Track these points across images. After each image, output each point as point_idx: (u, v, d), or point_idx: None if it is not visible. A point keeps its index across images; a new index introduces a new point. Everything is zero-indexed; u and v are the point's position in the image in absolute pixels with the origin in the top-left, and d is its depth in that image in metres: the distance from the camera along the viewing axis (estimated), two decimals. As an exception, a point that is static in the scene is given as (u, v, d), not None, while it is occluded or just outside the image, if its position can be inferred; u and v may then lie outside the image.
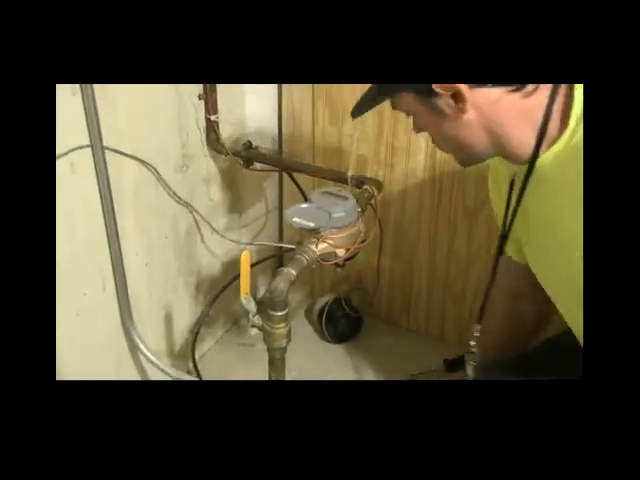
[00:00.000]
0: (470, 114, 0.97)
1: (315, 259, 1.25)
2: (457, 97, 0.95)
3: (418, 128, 1.11)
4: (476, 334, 1.37)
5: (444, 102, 0.97)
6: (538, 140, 0.98)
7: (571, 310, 1.17)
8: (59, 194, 1.25)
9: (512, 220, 1.18)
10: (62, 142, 1.20)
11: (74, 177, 1.28)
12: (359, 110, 1.10)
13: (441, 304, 1.94)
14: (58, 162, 1.20)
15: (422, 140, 1.68)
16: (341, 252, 1.28)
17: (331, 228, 1.26)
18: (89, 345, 1.48)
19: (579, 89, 0.94)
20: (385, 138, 1.72)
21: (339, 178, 1.44)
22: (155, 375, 1.71)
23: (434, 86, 0.93)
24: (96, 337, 1.50)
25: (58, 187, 1.24)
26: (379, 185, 1.42)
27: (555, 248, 1.11)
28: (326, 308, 1.96)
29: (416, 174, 1.75)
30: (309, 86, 1.75)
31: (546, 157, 0.99)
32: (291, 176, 1.74)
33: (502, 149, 1.04)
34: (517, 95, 0.95)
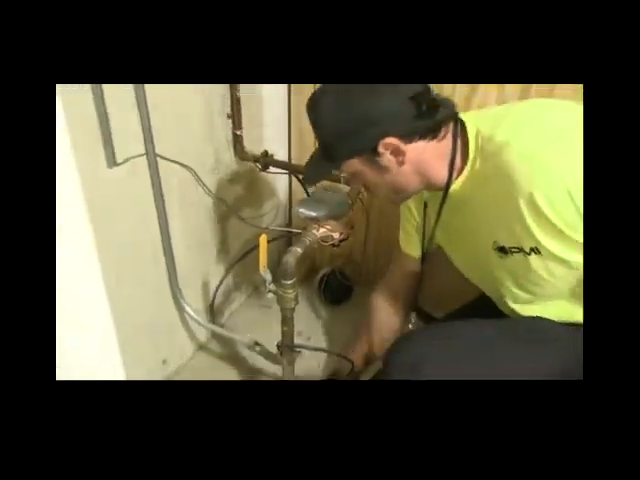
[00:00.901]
0: (406, 164, 0.99)
1: (316, 240, 1.27)
2: (396, 152, 0.97)
3: (357, 183, 1.14)
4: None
5: (386, 159, 0.98)
6: (450, 171, 1.02)
7: (491, 291, 1.22)
8: (123, 191, 1.28)
9: (432, 232, 1.20)
10: (126, 150, 1.21)
11: (135, 178, 1.29)
12: (314, 179, 1.15)
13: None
14: (123, 166, 1.21)
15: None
16: (336, 235, 1.30)
17: (328, 217, 1.29)
18: (145, 306, 1.49)
19: (470, 132, 0.99)
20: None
21: (335, 178, 1.45)
22: (196, 328, 1.74)
23: (379, 147, 0.96)
24: (150, 301, 1.52)
25: (122, 186, 1.27)
26: None
27: (474, 248, 1.12)
28: (324, 278, 1.97)
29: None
30: None
31: (457, 183, 1.03)
32: (297, 177, 1.75)
33: (427, 184, 1.06)
34: (434, 141, 0.99)
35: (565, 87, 1.00)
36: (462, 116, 1.02)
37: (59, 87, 0.59)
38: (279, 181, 1.92)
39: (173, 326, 1.66)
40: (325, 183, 1.46)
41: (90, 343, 0.72)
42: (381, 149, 0.96)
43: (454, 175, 1.02)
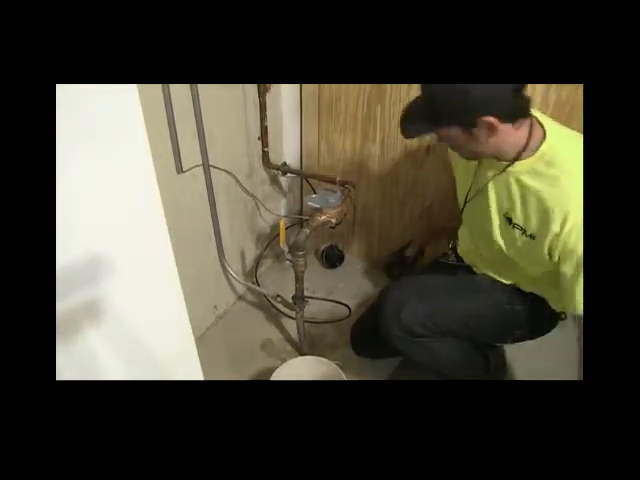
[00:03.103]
0: (492, 139, 0.89)
1: (319, 224, 1.28)
2: (491, 128, 0.87)
3: (443, 141, 0.97)
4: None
5: (480, 132, 0.88)
6: (517, 155, 0.93)
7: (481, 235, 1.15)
8: (187, 192, 1.29)
9: (476, 192, 1.08)
10: (189, 162, 1.21)
11: (195, 181, 1.30)
12: (414, 134, 0.97)
13: (386, 249, 1.93)
14: (187, 173, 1.21)
15: (375, 166, 1.70)
16: (333, 220, 1.30)
17: (328, 208, 1.29)
18: (201, 270, 1.51)
19: (548, 138, 0.90)
20: (357, 161, 1.74)
21: (333, 181, 1.46)
22: (236, 284, 1.74)
23: (478, 122, 0.85)
24: (205, 265, 1.53)
25: (186, 188, 1.28)
26: (354, 185, 1.45)
27: (488, 211, 1.05)
28: (324, 250, 1.97)
29: (374, 181, 1.76)
30: (316, 136, 1.74)
31: (518, 165, 0.94)
32: (307, 180, 1.75)
33: (495, 157, 0.96)
34: (513, 127, 0.89)
35: (565, 87, 0.85)
36: (547, 127, 0.93)
37: (147, 122, 0.50)
38: (293, 183, 1.92)
39: (220, 283, 1.68)
40: (325, 185, 1.47)
41: (162, 295, 0.69)
42: (479, 124, 0.86)
43: (521, 157, 0.93)
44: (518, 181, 0.96)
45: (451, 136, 0.93)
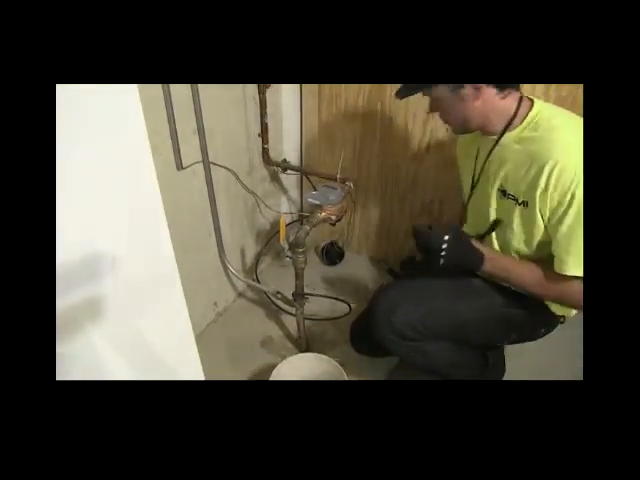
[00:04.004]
0: (478, 102, 0.95)
1: (319, 221, 1.28)
2: (476, 87, 0.92)
3: (434, 109, 1.02)
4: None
5: (467, 90, 0.93)
6: (506, 125, 0.98)
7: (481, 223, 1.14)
8: (187, 188, 1.29)
9: (480, 174, 1.10)
10: (189, 159, 1.21)
11: (194, 178, 1.30)
12: (405, 94, 0.99)
13: (386, 245, 1.96)
14: (186, 170, 1.21)
15: (375, 163, 1.70)
16: (334, 217, 1.31)
17: (328, 204, 1.29)
18: (201, 267, 1.51)
19: (534, 109, 0.95)
20: (357, 157, 1.73)
21: (333, 178, 1.46)
22: (236, 281, 1.75)
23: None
24: (205, 262, 1.53)
25: (186, 184, 1.28)
26: (354, 182, 1.45)
27: (488, 186, 1.07)
28: (325, 247, 1.98)
29: (375, 178, 1.76)
30: (316, 133, 1.75)
31: (507, 137, 0.99)
32: (307, 177, 1.76)
33: (483, 127, 1.01)
34: (499, 97, 0.95)
35: (565, 85, 0.90)
36: (536, 100, 0.98)
37: (147, 119, 0.50)
38: (293, 180, 1.92)
39: (220, 280, 1.68)
40: (325, 181, 1.47)
41: (162, 292, 0.69)
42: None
43: (509, 129, 0.98)
44: (509, 151, 0.99)
45: (439, 97, 0.97)
